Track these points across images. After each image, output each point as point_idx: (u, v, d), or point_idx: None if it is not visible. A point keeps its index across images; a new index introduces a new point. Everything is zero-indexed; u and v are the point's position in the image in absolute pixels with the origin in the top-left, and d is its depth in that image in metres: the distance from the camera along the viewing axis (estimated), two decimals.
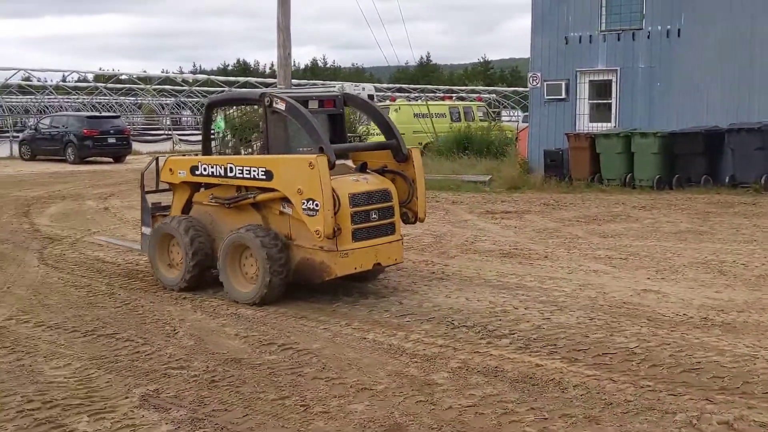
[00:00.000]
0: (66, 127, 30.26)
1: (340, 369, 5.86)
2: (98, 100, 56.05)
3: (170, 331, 6.94)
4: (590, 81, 18.09)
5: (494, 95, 62.91)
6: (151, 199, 9.34)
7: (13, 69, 39.87)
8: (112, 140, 29.94)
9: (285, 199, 7.65)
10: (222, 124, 7.64)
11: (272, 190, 7.72)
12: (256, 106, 8.16)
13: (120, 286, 8.67)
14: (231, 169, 8.00)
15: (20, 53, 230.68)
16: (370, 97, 33.88)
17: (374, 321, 7.15)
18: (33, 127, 33.28)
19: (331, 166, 7.40)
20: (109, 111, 48.13)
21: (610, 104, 17.89)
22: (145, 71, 52.95)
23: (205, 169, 8.25)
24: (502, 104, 63.83)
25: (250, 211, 8.08)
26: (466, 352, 6.21)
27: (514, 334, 6.69)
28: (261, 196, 7.87)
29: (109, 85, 48.65)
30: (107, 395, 5.39)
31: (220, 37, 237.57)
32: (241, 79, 49.10)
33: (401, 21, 23.15)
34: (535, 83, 18.49)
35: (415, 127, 25.38)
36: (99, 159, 29.96)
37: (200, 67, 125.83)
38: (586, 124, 17.97)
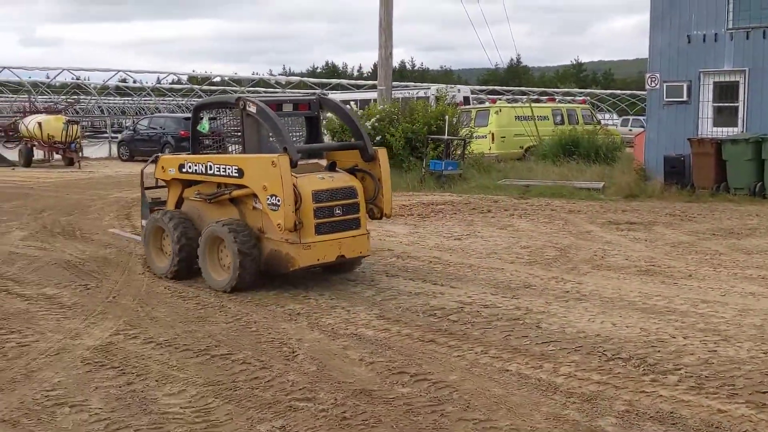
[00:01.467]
0: (163, 128, 30.42)
1: (487, 408, 5.09)
2: (192, 102, 56.86)
3: (288, 353, 6.29)
4: (715, 82, 16.82)
5: (588, 98, 61.05)
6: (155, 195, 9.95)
7: (112, 70, 40.48)
8: (208, 141, 29.85)
9: (256, 195, 8.21)
10: (206, 126, 9.09)
11: (244, 186, 8.36)
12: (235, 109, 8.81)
13: (229, 298, 8.11)
14: (210, 167, 8.68)
15: (113, 56, 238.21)
16: (466, 99, 33.01)
17: (513, 348, 6.36)
18: (131, 128, 33.64)
19: (293, 165, 7.99)
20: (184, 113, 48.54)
21: (736, 107, 16.58)
22: (236, 73, 53.33)
23: (190, 167, 8.98)
24: (597, 107, 61.96)
25: (229, 206, 8.73)
26: (630, 392, 5.36)
27: (680, 369, 5.79)
28: (236, 192, 8.53)
29: (204, 87, 49.12)
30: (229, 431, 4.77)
31: (308, 41, 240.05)
32: (333, 80, 48.93)
33: (488, 24, 22.30)
34: (653, 84, 17.33)
35: (517, 129, 24.44)
36: None
37: (290, 69, 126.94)
38: (709, 129, 16.72)
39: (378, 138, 18.42)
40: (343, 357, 6.18)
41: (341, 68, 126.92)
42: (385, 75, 19.67)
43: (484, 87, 59.09)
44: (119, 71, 40.78)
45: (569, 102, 39.90)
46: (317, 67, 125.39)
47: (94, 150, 33.59)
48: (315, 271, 8.96)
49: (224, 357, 6.20)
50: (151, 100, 57.58)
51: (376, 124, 18.48)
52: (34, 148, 28.59)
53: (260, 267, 8.33)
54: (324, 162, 8.92)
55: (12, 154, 29.30)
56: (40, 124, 27.66)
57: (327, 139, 19.05)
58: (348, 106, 18.46)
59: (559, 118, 26.34)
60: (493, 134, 24.06)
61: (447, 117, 18.01)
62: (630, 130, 40.18)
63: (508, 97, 48.33)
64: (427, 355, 6.21)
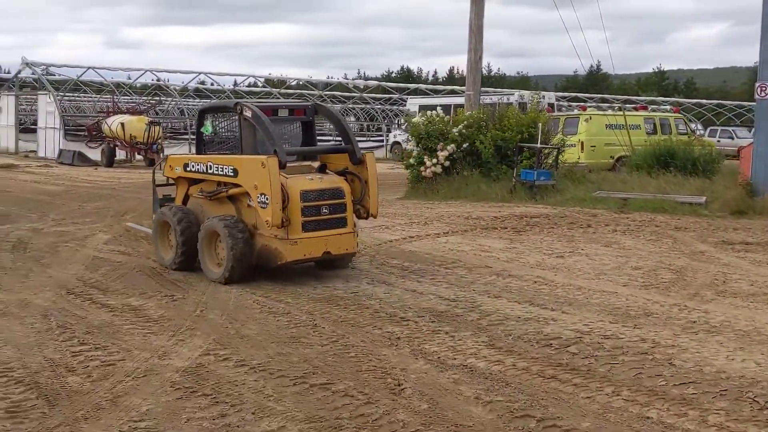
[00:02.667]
0: None
1: None
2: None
3: (394, 385, 5.66)
4: None
5: (670, 107, 59.05)
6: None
7: (194, 72, 40.71)
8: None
9: (249, 193, 8.78)
10: (210, 128, 9.72)
11: (239, 185, 8.94)
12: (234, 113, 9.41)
13: (322, 316, 7.54)
14: (210, 166, 9.29)
15: (193, 59, 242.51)
16: (551, 105, 32.00)
17: (648, 390, 5.60)
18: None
19: (282, 166, 8.57)
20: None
21: None
22: (310, 77, 53.20)
23: (193, 166, 9.62)
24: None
25: (227, 203, 9.32)
26: None
27: None
28: (232, 191, 9.15)
29: (283, 91, 49.12)
30: None
31: (383, 46, 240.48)
32: (411, 85, 48.35)
33: (566, 31, 21.37)
34: (763, 95, 16.20)
35: (608, 138, 23.37)
36: None
37: (365, 74, 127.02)
38: None
39: (465, 145, 17.72)
40: (456, 393, 5.52)
41: (416, 73, 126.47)
42: (473, 80, 18.97)
43: (567, 94, 57.64)
44: (201, 73, 40.97)
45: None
46: (392, 72, 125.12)
47: (175, 151, 33.72)
48: (353, 275, 8.40)
49: (323, 387, 5.60)
50: None
51: (464, 130, 17.77)
52: (117, 148, 28.79)
53: (252, 261, 8.92)
54: (316, 164, 9.50)
55: (94, 154, 29.59)
56: (122, 124, 27.83)
57: (412, 144, 18.45)
58: (435, 110, 17.93)
59: (650, 127, 25.19)
60: (582, 143, 23.08)
61: (540, 125, 17.19)
62: (718, 141, 38.58)
63: (590, 104, 46.97)
64: (550, 394, 5.51)
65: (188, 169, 9.70)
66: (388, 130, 46.85)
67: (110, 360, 6.14)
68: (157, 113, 34.63)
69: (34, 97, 37.01)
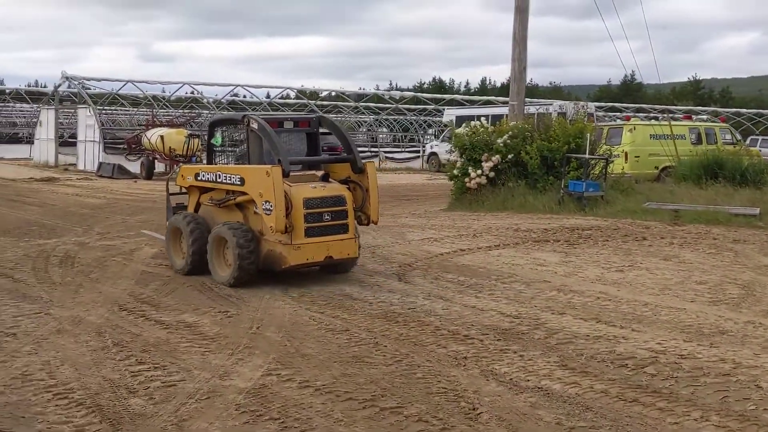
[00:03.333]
0: None
1: None
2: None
3: (469, 409, 5.39)
4: None
5: (707, 116, 58.12)
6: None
7: (231, 85, 40.77)
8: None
9: (255, 201, 9.17)
10: (219, 139, 10.36)
11: (245, 193, 9.35)
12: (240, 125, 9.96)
13: (382, 334, 7.29)
14: (219, 175, 9.74)
15: (226, 72, 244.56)
16: (591, 115, 31.55)
17: (739, 415, 5.27)
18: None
19: (285, 174, 8.95)
20: None
21: None
22: (342, 88, 53.24)
23: (203, 176, 10.08)
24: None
25: (235, 210, 9.72)
26: None
27: None
28: (239, 198, 9.56)
29: (319, 102, 49.13)
30: None
31: (414, 57, 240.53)
32: (446, 96, 48.04)
33: (599, 41, 20.93)
34: None
35: (652, 149, 22.95)
36: None
37: (397, 85, 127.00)
38: None
39: (511, 156, 17.40)
40: (535, 419, 5.23)
41: (448, 84, 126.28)
42: (517, 90, 18.68)
43: (604, 104, 57.01)
44: (237, 86, 40.98)
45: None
46: (424, 83, 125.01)
47: None
48: (408, 289, 8.07)
49: (395, 411, 5.35)
50: (263, 114, 58.14)
51: (509, 141, 17.45)
52: (156, 160, 28.84)
53: (258, 265, 9.27)
54: (320, 173, 9.81)
55: (134, 167, 29.67)
56: (162, 137, 27.86)
57: (455, 155, 18.18)
58: (479, 120, 17.66)
59: (695, 136, 24.69)
60: (626, 153, 22.66)
61: (588, 135, 16.83)
62: (759, 150, 37.75)
63: (627, 114, 46.32)
64: (635, 420, 5.20)
65: (199, 178, 10.16)
66: (420, 141, 46.65)
67: (170, 380, 5.93)
68: (192, 126, 34.71)
69: (73, 110, 37.29)
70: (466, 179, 17.56)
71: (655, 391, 5.75)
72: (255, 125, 9.48)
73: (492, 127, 18.30)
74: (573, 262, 10.84)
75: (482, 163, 17.39)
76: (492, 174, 17.35)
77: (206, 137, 10.81)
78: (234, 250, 9.12)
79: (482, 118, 18.84)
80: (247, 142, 9.74)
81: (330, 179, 9.69)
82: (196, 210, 10.36)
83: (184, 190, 10.68)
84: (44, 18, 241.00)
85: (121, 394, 5.62)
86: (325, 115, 10.75)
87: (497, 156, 17.27)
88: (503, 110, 33.13)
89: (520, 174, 17.42)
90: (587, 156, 16.65)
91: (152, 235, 12.25)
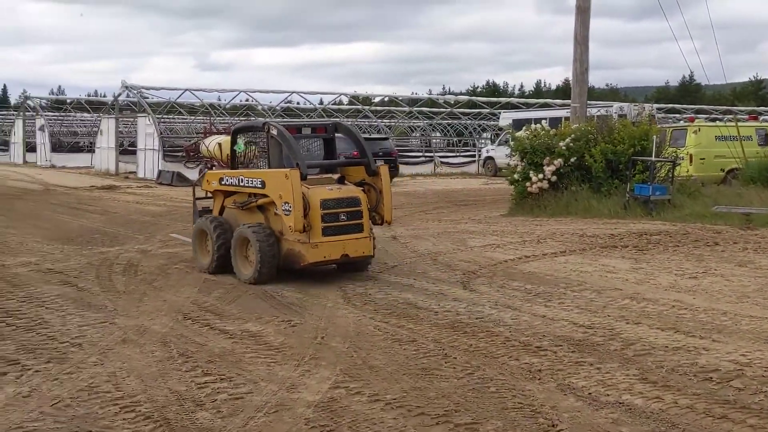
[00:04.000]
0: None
1: None
2: (353, 123, 57.01)
3: (547, 426, 5.14)
4: None
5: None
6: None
7: (286, 92, 40.98)
8: (380, 162, 29.39)
9: (276, 204, 9.69)
10: (242, 146, 11.06)
11: (266, 196, 9.90)
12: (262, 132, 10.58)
13: (450, 345, 7.06)
14: (242, 180, 10.34)
15: (281, 79, 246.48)
16: (651, 116, 30.83)
17: None
18: (305, 148, 33.69)
19: (303, 177, 9.48)
20: (363, 132, 48.61)
21: None
22: (395, 93, 52.99)
23: (227, 180, 10.64)
24: None
25: (257, 212, 10.25)
26: None
27: None
28: (261, 201, 10.08)
29: (373, 108, 49.08)
30: None
31: (467, 61, 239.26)
32: (502, 99, 47.60)
33: (655, 42, 20.31)
34: None
35: (717, 150, 22.28)
36: None
37: (450, 89, 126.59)
38: None
39: (573, 159, 17.00)
40: None
41: (502, 87, 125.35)
42: (579, 91, 18.28)
43: (664, 105, 55.87)
44: (292, 92, 41.19)
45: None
46: (477, 87, 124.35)
47: None
48: (474, 298, 7.79)
49: (470, 428, 5.12)
50: (316, 121, 58.36)
51: (571, 144, 17.07)
52: (214, 168, 29.02)
53: (279, 263, 9.77)
54: (336, 176, 10.27)
55: (193, 174, 29.90)
56: (220, 144, 27.98)
57: (516, 159, 17.86)
58: (539, 123, 17.34)
59: (762, 138, 23.91)
60: (691, 155, 22.03)
61: (654, 137, 16.36)
62: None
63: (690, 115, 45.26)
64: None
65: (223, 182, 10.74)
66: (474, 144, 46.22)
67: (237, 393, 5.80)
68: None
69: (133, 119, 37.85)
70: (527, 184, 17.22)
71: (744, 406, 5.42)
72: (275, 132, 10.02)
73: (554, 130, 17.93)
74: (644, 269, 10.47)
75: (544, 167, 17.04)
76: (554, 178, 16.98)
77: (230, 144, 11.41)
78: (256, 250, 9.66)
79: (543, 121, 18.42)
80: (268, 148, 10.40)
81: (345, 182, 10.16)
82: (221, 213, 10.92)
83: (209, 194, 11.20)
84: (104, 30, 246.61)
85: (188, 407, 5.50)
86: (341, 121, 11.86)
87: (559, 160, 16.90)
88: (561, 113, 32.66)
89: (584, 178, 17.02)
90: (654, 159, 16.18)
91: (180, 239, 13.00)
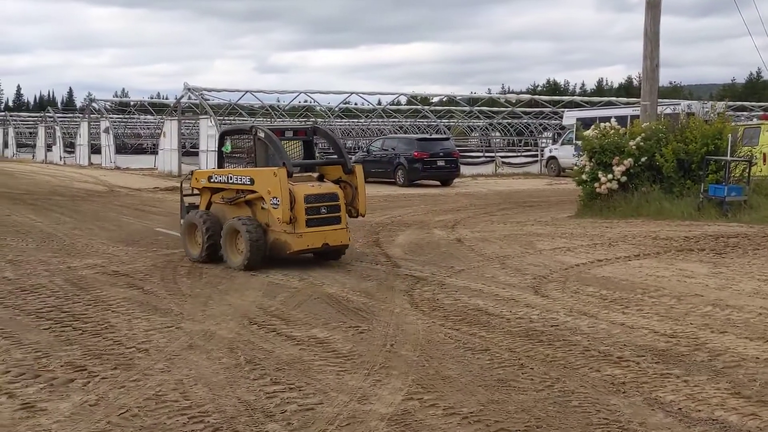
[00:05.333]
0: (395, 149, 29.96)
1: None
2: (412, 123, 56.81)
3: None
4: None
5: None
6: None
7: (345, 92, 40.94)
8: (441, 163, 29.16)
9: (263, 198, 10.77)
10: (229, 147, 11.91)
11: (254, 191, 10.93)
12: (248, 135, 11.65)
13: (526, 354, 6.76)
14: (231, 177, 11.33)
15: (338, 80, 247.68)
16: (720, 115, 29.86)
17: None
18: (364, 149, 33.61)
19: (289, 175, 10.61)
20: (422, 132, 48.30)
21: None
22: (453, 93, 52.50)
23: (216, 178, 11.66)
24: None
25: (244, 207, 11.30)
26: None
27: None
28: (249, 196, 11.11)
29: (433, 108, 48.76)
30: None
31: (526, 60, 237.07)
32: (565, 98, 46.87)
33: (718, 39, 19.53)
34: None
35: None
36: (426, 182, 29.29)
37: (509, 88, 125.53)
38: None
39: (644, 159, 16.47)
40: None
41: (563, 86, 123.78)
42: (650, 89, 17.70)
43: (733, 102, 54.40)
44: (351, 93, 41.13)
45: None
46: (538, 85, 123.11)
47: None
48: (547, 304, 7.42)
49: None
50: (375, 121, 58.30)
51: (642, 143, 16.53)
52: None
53: (266, 252, 10.85)
54: (315, 174, 11.47)
55: None
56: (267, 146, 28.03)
57: (584, 159, 17.38)
58: (608, 122, 16.85)
59: None
60: (765, 155, 21.25)
61: (729, 136, 15.75)
62: None
63: (758, 113, 43.89)
64: None
65: (212, 180, 11.70)
66: (535, 144, 45.57)
67: (308, 403, 5.59)
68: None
69: (195, 121, 38.21)
70: (596, 184, 16.74)
71: None
72: (262, 134, 11.18)
73: (623, 129, 17.40)
74: (724, 274, 10.00)
75: (613, 167, 16.55)
76: (623, 178, 16.48)
77: (217, 145, 12.45)
78: (246, 239, 10.68)
79: (612, 119, 17.88)
80: (255, 149, 11.37)
81: (324, 179, 11.34)
82: (208, 208, 11.86)
83: (196, 191, 12.18)
84: (166, 33, 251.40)
85: (257, 418, 5.31)
86: (319, 125, 12.74)
87: (629, 159, 16.39)
88: (627, 111, 31.90)
89: (654, 178, 16.48)
90: (729, 158, 15.57)
91: (167, 233, 14.30)
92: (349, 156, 33.56)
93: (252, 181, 10.95)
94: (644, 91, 17.95)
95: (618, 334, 7.35)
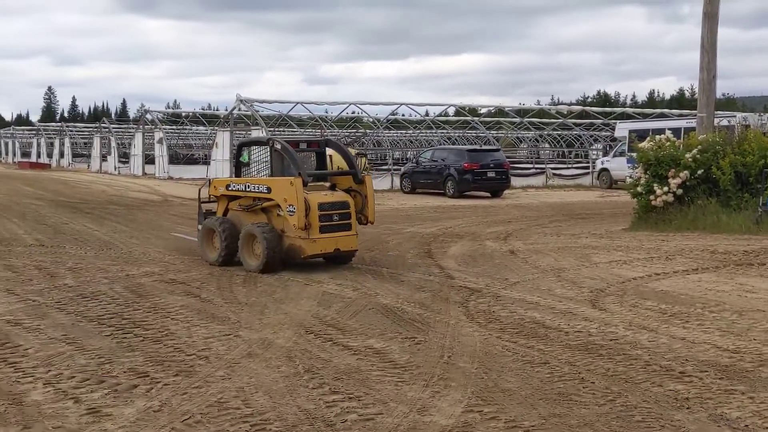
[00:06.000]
0: (445, 160, 29.94)
1: None
2: (460, 134, 56.67)
3: None
4: None
5: None
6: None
7: (395, 104, 41.04)
8: (491, 174, 29.05)
9: (279, 206, 11.50)
10: (246, 158, 12.70)
11: (271, 200, 11.67)
12: (266, 146, 12.40)
13: (586, 368, 6.68)
14: (248, 186, 12.07)
15: (386, 91, 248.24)
16: None
17: None
18: (413, 160, 33.63)
19: (305, 184, 11.30)
20: (470, 143, 48.17)
21: None
22: (501, 104, 52.22)
23: (234, 187, 12.39)
24: None
25: (260, 213, 11.97)
26: None
27: None
28: (266, 204, 11.81)
29: (482, 119, 48.62)
30: None
31: (575, 71, 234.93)
32: (617, 109, 46.36)
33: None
34: None
35: None
36: (476, 193, 29.19)
37: (559, 99, 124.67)
38: None
39: (700, 171, 16.21)
40: None
41: (613, 97, 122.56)
42: (706, 101, 17.44)
43: None
44: (400, 104, 41.23)
45: None
46: (588, 97, 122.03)
47: (377, 182, 33.83)
48: (605, 318, 7.30)
49: None
50: (423, 132, 58.33)
51: (698, 155, 16.28)
52: None
53: (282, 255, 11.49)
54: (328, 184, 12.18)
55: None
56: (330, 156, 28.17)
57: (639, 171, 17.17)
58: (662, 134, 16.62)
59: None
60: None
61: None
62: None
63: None
64: None
65: (230, 188, 12.44)
66: (586, 156, 45.09)
67: (368, 414, 5.60)
68: (362, 144, 35.09)
69: (246, 131, 38.63)
70: (651, 197, 16.51)
71: None
72: (278, 146, 11.90)
73: (678, 141, 17.14)
74: None
75: (669, 180, 16.31)
76: (679, 191, 16.22)
77: (234, 155, 13.28)
78: (263, 244, 11.34)
79: (668, 131, 17.63)
80: (271, 159, 12.11)
81: (336, 188, 12.07)
82: (225, 214, 12.53)
83: (213, 198, 12.88)
84: (217, 46, 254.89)
85: (318, 426, 5.34)
86: (330, 138, 14.12)
87: (685, 172, 16.14)
88: (680, 123, 31.49)
89: (711, 191, 16.19)
90: None
91: (184, 237, 14.80)
92: (397, 168, 34.07)
93: (269, 190, 11.64)
94: (701, 103, 17.69)
95: (679, 348, 7.23)
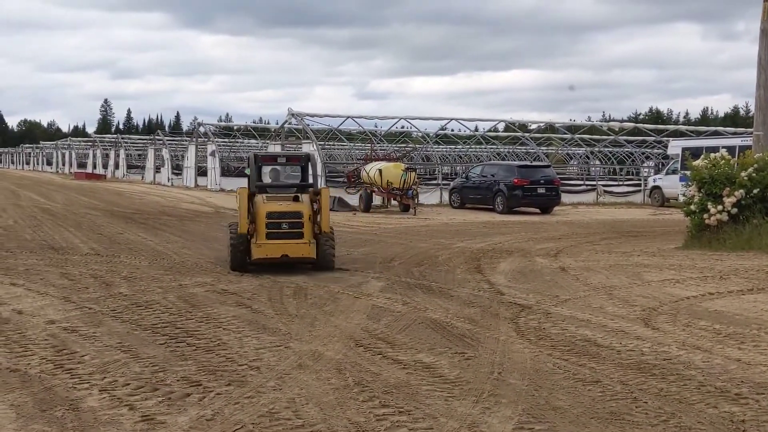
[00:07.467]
0: (495, 176, 29.88)
1: None
2: (510, 150, 56.39)
3: None
4: None
5: None
6: None
7: (445, 119, 41.10)
8: (541, 190, 28.90)
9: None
10: (249, 170, 14.48)
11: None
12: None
13: (639, 387, 6.60)
14: (236, 196, 13.66)
15: (435, 107, 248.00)
16: None
17: None
18: (463, 175, 33.61)
19: (252, 194, 13.07)
20: (520, 159, 47.89)
21: None
22: (551, 121, 51.88)
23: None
24: None
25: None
26: None
27: None
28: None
29: (533, 135, 48.36)
30: None
31: (626, 88, 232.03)
32: (670, 126, 45.74)
33: None
34: None
35: None
36: (525, 209, 29.03)
37: (610, 116, 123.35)
38: None
39: (756, 191, 15.92)
40: None
41: (665, 114, 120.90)
42: (763, 119, 17.15)
43: None
44: (450, 119, 41.25)
45: None
46: (639, 114, 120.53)
47: (426, 197, 33.94)
48: (657, 337, 7.16)
49: None
50: (472, 148, 58.20)
51: (754, 174, 15.99)
52: (374, 193, 29.39)
53: (246, 257, 12.83)
54: (293, 195, 13.43)
55: (352, 199, 30.41)
56: (380, 171, 28.36)
57: (693, 189, 16.92)
58: (717, 152, 16.38)
59: None
60: None
61: None
62: None
63: None
64: None
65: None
66: (637, 173, 44.52)
67: (418, 428, 5.60)
68: (412, 159, 35.18)
69: (297, 145, 38.98)
70: (705, 215, 16.25)
71: None
72: (252, 159, 13.85)
73: (733, 159, 16.87)
74: None
75: (723, 198, 16.04)
76: (734, 210, 15.94)
77: (249, 167, 14.58)
78: (228, 245, 13.18)
79: (722, 149, 17.37)
80: (253, 172, 13.81)
81: (300, 199, 13.17)
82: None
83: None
84: (270, 61, 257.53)
85: None
86: (311, 155, 14.84)
87: (740, 190, 15.86)
88: (734, 141, 30.99)
89: (767, 210, 15.88)
90: None
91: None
92: (446, 183, 34.25)
93: (236, 199, 13.51)
94: (757, 121, 17.41)
95: (734, 369, 7.10)
